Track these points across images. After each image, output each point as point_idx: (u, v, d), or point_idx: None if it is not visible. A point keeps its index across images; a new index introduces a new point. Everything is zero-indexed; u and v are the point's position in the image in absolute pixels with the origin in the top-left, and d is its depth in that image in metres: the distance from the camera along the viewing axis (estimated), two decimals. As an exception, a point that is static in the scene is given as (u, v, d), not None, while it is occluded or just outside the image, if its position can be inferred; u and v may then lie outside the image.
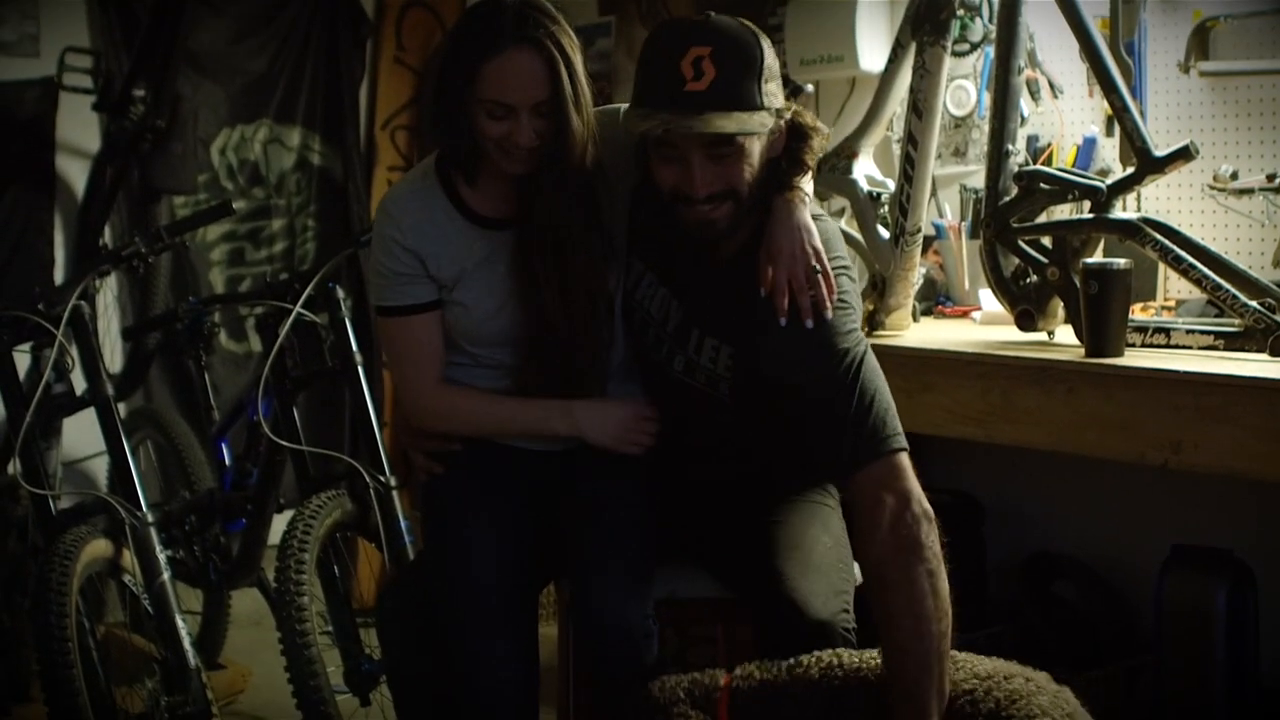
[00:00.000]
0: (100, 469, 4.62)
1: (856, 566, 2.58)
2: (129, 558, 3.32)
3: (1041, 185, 3.17)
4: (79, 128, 5.03)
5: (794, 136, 2.50)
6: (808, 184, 2.56)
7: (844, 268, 2.52)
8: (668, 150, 2.42)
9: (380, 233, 2.64)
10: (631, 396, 2.69)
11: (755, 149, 2.42)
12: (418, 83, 5.72)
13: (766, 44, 2.43)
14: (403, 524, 3.43)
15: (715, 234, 2.48)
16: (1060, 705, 2.21)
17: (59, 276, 4.96)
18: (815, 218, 2.53)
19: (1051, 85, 3.70)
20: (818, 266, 2.42)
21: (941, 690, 2.25)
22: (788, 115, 2.48)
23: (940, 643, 2.26)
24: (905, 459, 2.37)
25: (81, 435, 4.11)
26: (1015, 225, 3.20)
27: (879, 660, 2.30)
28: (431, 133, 2.71)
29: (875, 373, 2.44)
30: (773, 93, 2.42)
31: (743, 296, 2.49)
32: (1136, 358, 2.91)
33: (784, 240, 2.45)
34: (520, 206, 2.58)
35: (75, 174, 5.03)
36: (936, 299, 3.92)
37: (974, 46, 3.65)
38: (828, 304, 2.41)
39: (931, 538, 2.31)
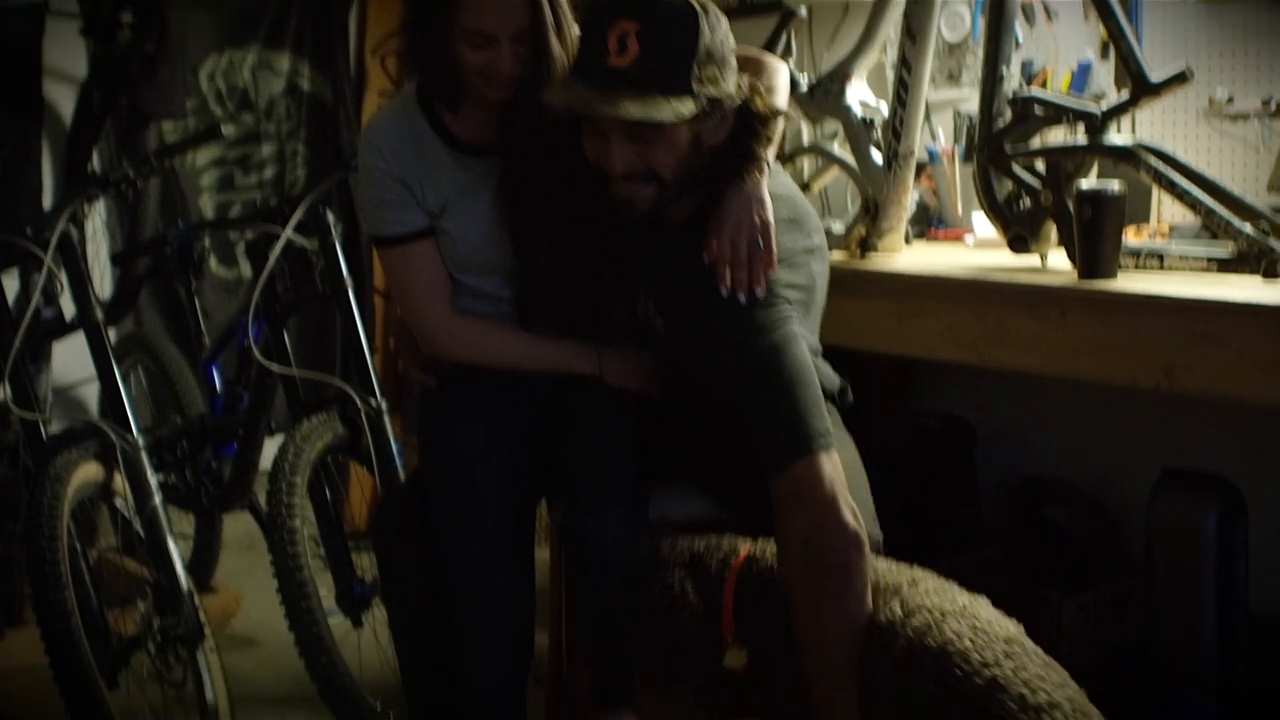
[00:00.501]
0: (91, 396, 4.61)
1: None
2: (120, 481, 3.32)
3: (1036, 110, 3.15)
4: (67, 52, 4.98)
5: (743, 126, 2.39)
6: (769, 154, 2.46)
7: (805, 251, 2.46)
8: (590, 124, 2.35)
9: (365, 164, 2.63)
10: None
11: (681, 136, 2.32)
12: (407, 8, 5.67)
13: (714, 24, 2.31)
14: (394, 447, 3.43)
15: (636, 213, 2.40)
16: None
17: (48, 203, 4.93)
18: (775, 196, 2.44)
19: (1046, 9, 3.68)
20: (761, 242, 2.35)
21: (849, 709, 2.17)
22: (736, 101, 2.36)
23: (843, 667, 2.16)
24: (824, 461, 2.22)
25: (72, 362, 4.10)
26: (1009, 149, 3.18)
27: (911, 573, 2.26)
28: (411, 62, 2.68)
29: (800, 364, 2.31)
30: (711, 78, 2.29)
31: (682, 266, 2.43)
32: (1130, 281, 2.90)
33: (733, 210, 2.37)
34: (503, 133, 2.56)
35: (63, 99, 4.98)
36: (929, 223, 3.91)
37: (969, -31, 3.63)
38: (761, 281, 2.34)
39: (847, 557, 2.17)
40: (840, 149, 3.64)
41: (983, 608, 2.18)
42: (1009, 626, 2.14)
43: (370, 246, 5.21)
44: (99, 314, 3.44)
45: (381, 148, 2.60)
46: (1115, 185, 2.94)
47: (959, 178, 3.79)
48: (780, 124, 2.44)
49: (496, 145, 2.58)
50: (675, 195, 2.39)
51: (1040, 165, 3.16)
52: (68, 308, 3.57)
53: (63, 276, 3.47)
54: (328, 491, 3.56)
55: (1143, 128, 3.51)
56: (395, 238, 2.63)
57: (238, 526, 4.37)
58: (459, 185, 2.60)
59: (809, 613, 2.19)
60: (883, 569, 2.26)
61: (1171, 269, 2.97)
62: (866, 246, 3.45)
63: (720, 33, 2.32)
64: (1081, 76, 3.62)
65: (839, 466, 2.25)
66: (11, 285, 3.65)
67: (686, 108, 2.27)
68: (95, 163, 4.84)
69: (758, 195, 2.40)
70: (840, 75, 3.68)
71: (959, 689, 2.02)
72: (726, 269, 2.34)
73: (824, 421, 2.26)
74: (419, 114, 2.61)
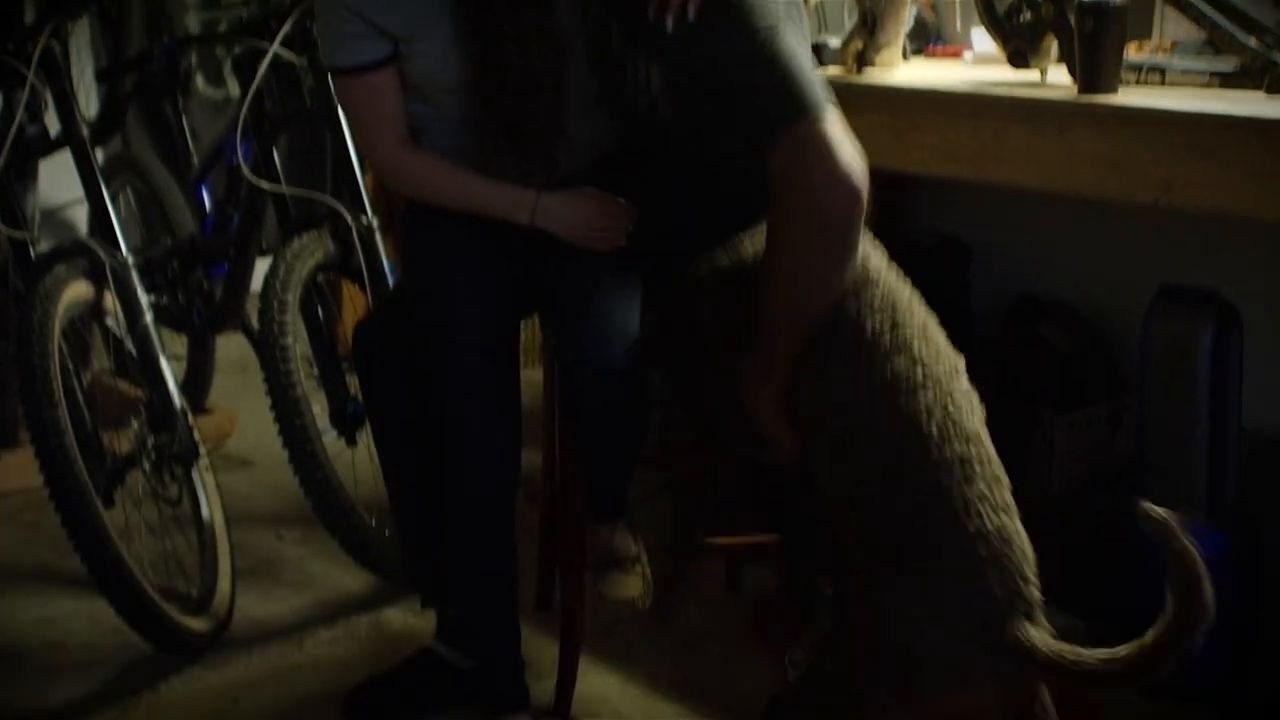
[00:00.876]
0: (80, 217, 4.58)
1: None
2: (111, 300, 3.30)
3: (1037, -81, 3.08)
4: None
5: None
6: None
7: None
8: None
9: None
10: (595, 190, 2.62)
11: None
12: None
13: None
14: (386, 264, 3.41)
15: None
16: None
17: (30, 20, 4.86)
18: None
19: None
20: None
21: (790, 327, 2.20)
22: None
23: (799, 319, 2.19)
24: (826, 129, 2.15)
25: (60, 182, 4.05)
26: (1010, -38, 3.12)
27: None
28: None
29: (793, 43, 2.27)
30: None
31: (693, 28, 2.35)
32: (1130, 96, 2.86)
33: None
34: None
35: (43, -88, 4.89)
36: (928, 40, 3.84)
37: None
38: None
39: (849, 211, 2.14)
40: (838, -39, 3.57)
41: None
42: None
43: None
44: (85, 131, 3.40)
45: None
46: (1118, -3, 2.88)
47: (959, -8, 3.72)
48: None
49: None
50: None
51: (1042, -23, 3.10)
52: (53, 126, 3.52)
53: (47, 94, 3.42)
54: (320, 310, 3.55)
55: (1147, -61, 3.44)
56: (351, 68, 2.59)
57: (231, 348, 4.36)
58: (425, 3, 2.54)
59: (794, 250, 2.17)
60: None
61: (1173, 84, 2.93)
62: (863, 61, 3.39)
63: None
64: (1085, -114, 3.53)
65: (848, 130, 2.19)
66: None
67: None
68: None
69: None
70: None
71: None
72: None
73: (817, 92, 2.20)
74: None
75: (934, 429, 2.11)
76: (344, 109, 2.69)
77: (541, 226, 2.58)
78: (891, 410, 2.14)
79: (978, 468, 2.10)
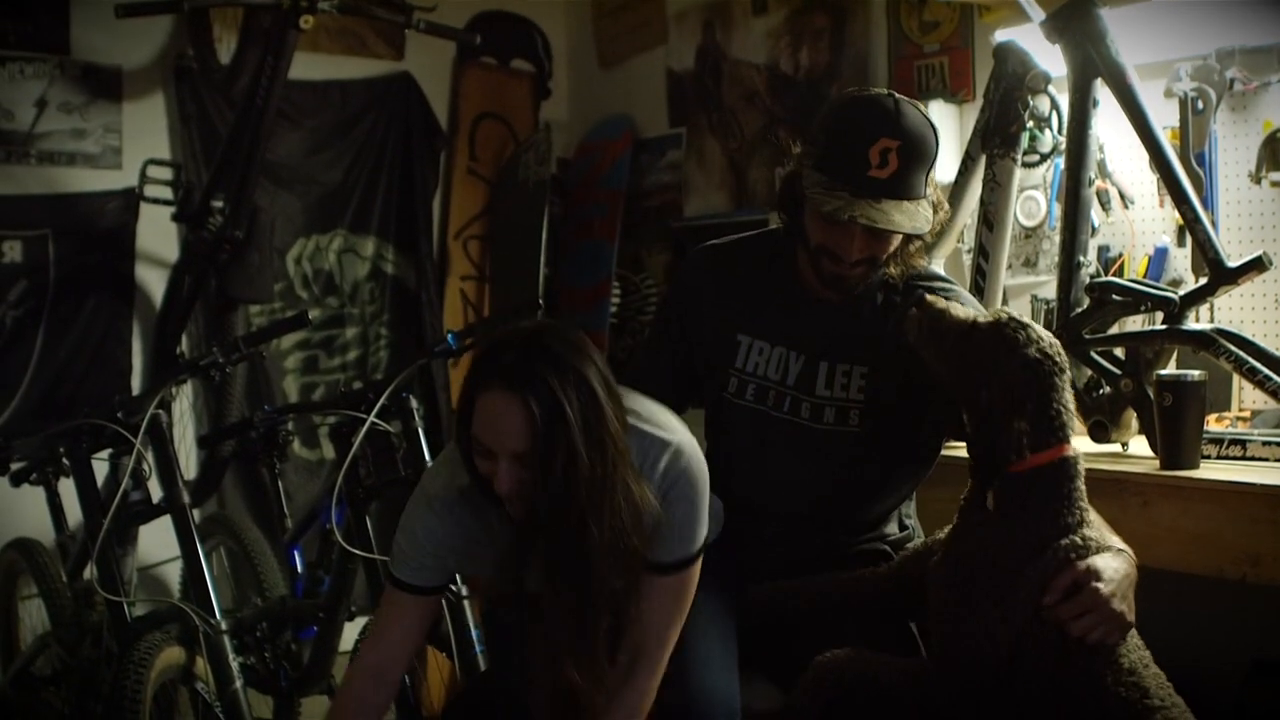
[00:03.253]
0: (173, 574, 4.65)
1: None
2: (202, 665, 3.34)
3: (1113, 296, 3.17)
4: (158, 238, 5.13)
5: None
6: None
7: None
8: (832, 222, 2.58)
9: (413, 520, 2.57)
10: None
11: (901, 235, 2.63)
12: (490, 193, 5.81)
13: (937, 135, 2.64)
14: (474, 633, 3.42)
15: (844, 290, 2.68)
16: None
17: (136, 383, 5.04)
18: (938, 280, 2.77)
19: (1122, 195, 3.70)
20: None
21: None
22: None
23: None
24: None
25: (155, 540, 4.14)
26: (1088, 336, 3.19)
27: None
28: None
29: None
30: (932, 182, 2.65)
31: (865, 315, 2.72)
32: (1212, 470, 2.89)
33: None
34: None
35: (154, 283, 5.12)
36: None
37: (1044, 158, 3.66)
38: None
39: None
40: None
41: None
42: None
43: (450, 428, 5.28)
44: (185, 497, 3.48)
45: (431, 518, 2.53)
46: (1195, 373, 2.94)
47: (1037, 363, 3.78)
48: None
49: None
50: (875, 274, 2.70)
51: (1119, 352, 3.17)
52: (154, 490, 3.61)
53: (151, 459, 3.52)
54: (407, 677, 3.54)
55: (1220, 313, 3.51)
56: (399, 582, 2.56)
57: (316, 710, 4.35)
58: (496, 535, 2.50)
59: None
60: None
61: (1254, 457, 2.96)
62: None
63: (938, 142, 2.66)
64: (1158, 262, 3.63)
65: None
66: (99, 466, 3.71)
67: (928, 212, 2.62)
68: (184, 346, 4.94)
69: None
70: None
71: None
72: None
73: None
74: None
75: None
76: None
77: None
78: None
79: None
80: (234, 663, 3.32)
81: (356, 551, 3.57)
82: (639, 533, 2.32)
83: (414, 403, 3.60)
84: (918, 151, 2.58)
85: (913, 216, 2.58)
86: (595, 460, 2.24)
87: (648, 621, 2.43)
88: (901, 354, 2.64)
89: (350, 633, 3.59)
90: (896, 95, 2.63)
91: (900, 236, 2.64)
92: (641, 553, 2.35)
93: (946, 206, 2.75)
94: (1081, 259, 3.27)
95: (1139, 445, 3.13)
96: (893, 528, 2.80)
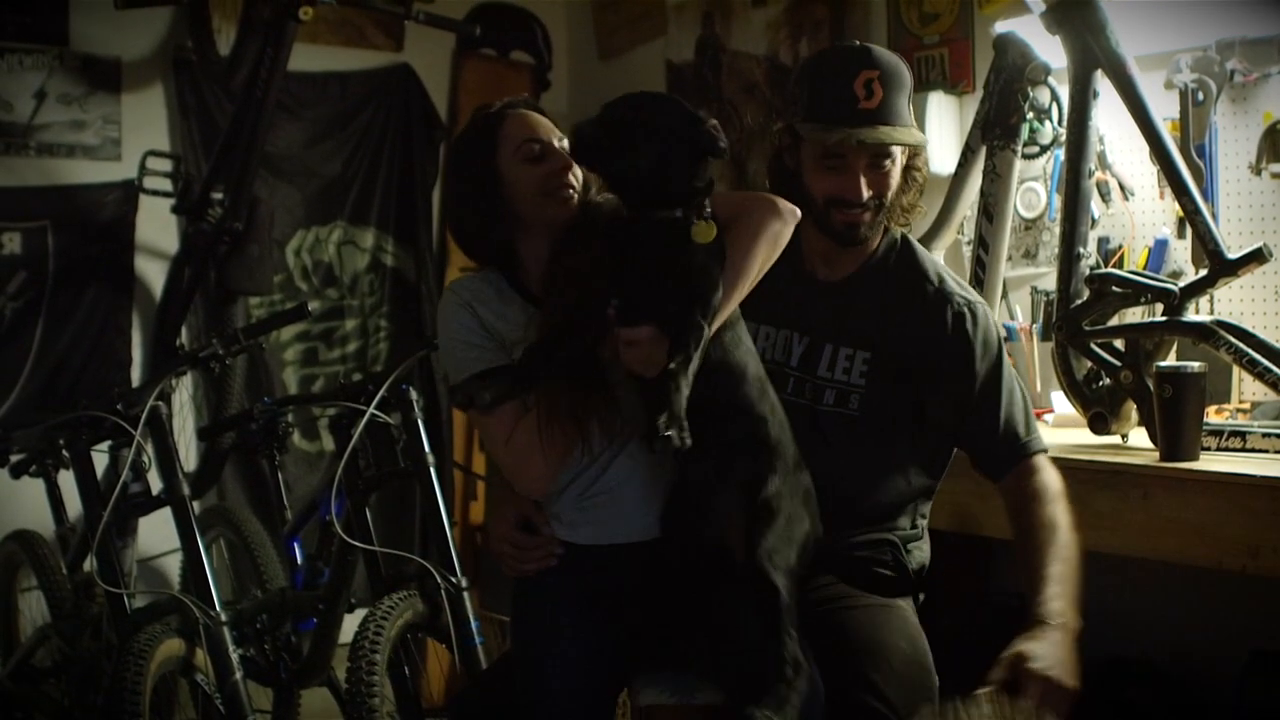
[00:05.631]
0: (173, 566, 4.66)
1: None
2: (202, 657, 3.34)
3: (1113, 288, 3.16)
4: (158, 229, 5.13)
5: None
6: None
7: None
8: (833, 161, 2.67)
9: (449, 312, 2.64)
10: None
11: (899, 164, 2.71)
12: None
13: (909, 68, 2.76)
14: (473, 625, 3.42)
15: (858, 237, 2.72)
16: None
17: (136, 375, 5.04)
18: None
19: (1122, 187, 3.70)
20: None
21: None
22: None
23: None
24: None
25: (155, 532, 4.14)
26: (1087, 328, 3.19)
27: None
28: (461, 236, 2.71)
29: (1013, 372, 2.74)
30: (914, 114, 2.76)
31: (870, 301, 2.74)
32: (1212, 461, 2.88)
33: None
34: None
35: (154, 275, 5.12)
36: (1008, 401, 3.90)
37: (1044, 149, 3.66)
38: None
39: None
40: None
41: None
42: None
43: (451, 422, 5.28)
44: (185, 489, 3.48)
45: (461, 292, 2.64)
46: (1195, 365, 2.93)
47: (1037, 355, 3.79)
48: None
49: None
50: (882, 220, 2.75)
51: (1119, 344, 3.17)
52: (154, 482, 3.62)
53: (150, 451, 3.53)
54: (407, 669, 3.56)
55: (1221, 305, 3.51)
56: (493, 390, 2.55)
57: (315, 702, 4.36)
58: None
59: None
60: None
61: (1254, 449, 2.95)
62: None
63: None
64: (1158, 253, 3.63)
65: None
66: (99, 458, 3.71)
67: (920, 133, 2.73)
68: (184, 337, 4.95)
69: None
70: (917, 254, 3.71)
71: None
72: None
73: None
74: (495, 271, 2.66)
75: None
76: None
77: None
78: None
79: None
80: (234, 654, 3.33)
81: (356, 543, 3.57)
82: None
83: (414, 394, 3.60)
84: (898, 76, 2.68)
85: (910, 135, 2.68)
86: None
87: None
88: (906, 343, 2.68)
89: (350, 624, 3.59)
90: (859, 41, 2.74)
91: (899, 176, 2.71)
92: None
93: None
94: (1081, 250, 3.27)
95: (1139, 437, 3.13)
96: (904, 522, 2.78)
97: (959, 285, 2.76)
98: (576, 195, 2.57)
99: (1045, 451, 2.71)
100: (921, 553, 2.80)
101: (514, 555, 2.67)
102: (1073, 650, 2.41)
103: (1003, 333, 2.78)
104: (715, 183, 2.44)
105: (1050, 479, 2.66)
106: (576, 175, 2.57)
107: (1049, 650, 2.38)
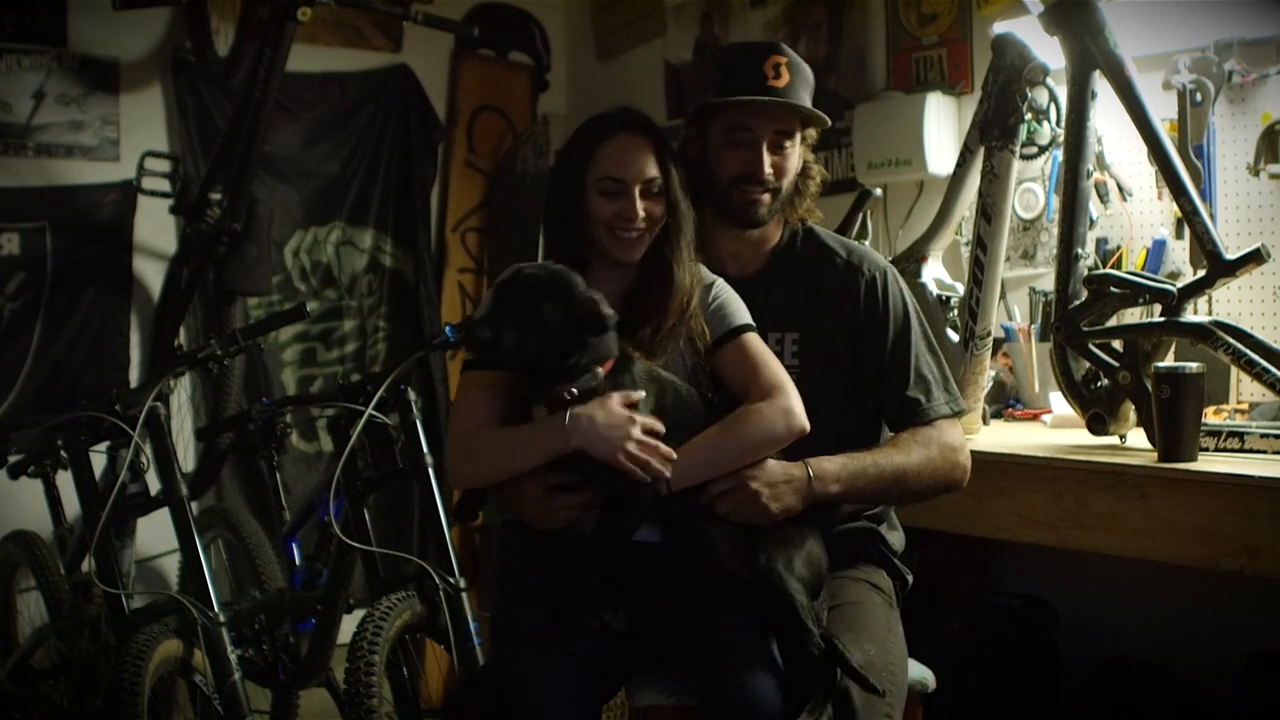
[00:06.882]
0: (171, 566, 4.66)
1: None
2: (200, 658, 3.33)
3: (1112, 288, 3.16)
4: (156, 230, 5.13)
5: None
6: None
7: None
8: (741, 135, 2.77)
9: None
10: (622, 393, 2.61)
11: (799, 154, 2.82)
12: (488, 185, 5.80)
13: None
14: (471, 625, 3.41)
15: (757, 219, 2.79)
16: None
17: (134, 376, 5.04)
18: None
19: (1120, 188, 3.70)
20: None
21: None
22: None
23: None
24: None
25: (153, 532, 4.14)
26: (1085, 328, 3.19)
27: None
28: (547, 226, 2.84)
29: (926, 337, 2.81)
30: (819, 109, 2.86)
31: (786, 285, 2.82)
32: (1210, 462, 2.88)
33: None
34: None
35: (152, 275, 5.12)
36: (1006, 402, 3.91)
37: (1042, 150, 3.67)
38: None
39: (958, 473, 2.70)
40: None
41: None
42: None
43: (449, 422, 5.28)
44: (184, 490, 3.48)
45: None
46: (1193, 365, 2.93)
47: (1035, 356, 3.79)
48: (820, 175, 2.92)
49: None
50: (781, 206, 2.83)
51: (1117, 344, 3.17)
52: (152, 482, 3.62)
53: (149, 452, 3.52)
54: (405, 669, 3.55)
55: (1219, 305, 3.51)
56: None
57: (314, 702, 4.35)
58: None
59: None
60: None
61: (1252, 449, 2.95)
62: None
63: None
64: (1156, 254, 3.63)
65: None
66: (97, 459, 3.71)
67: (823, 115, 2.83)
68: (182, 338, 4.94)
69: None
70: (916, 255, 3.72)
71: None
72: None
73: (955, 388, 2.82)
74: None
75: None
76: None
77: (581, 445, 2.51)
78: None
79: None
80: (232, 655, 3.33)
81: (354, 544, 3.57)
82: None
83: (412, 395, 3.60)
84: (804, 71, 2.81)
85: (814, 111, 2.80)
86: (686, 209, 2.68)
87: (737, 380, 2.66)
88: (829, 319, 2.79)
89: (349, 625, 3.59)
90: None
91: (799, 159, 2.81)
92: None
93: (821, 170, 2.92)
94: (1080, 251, 3.27)
95: (1137, 437, 3.13)
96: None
97: (867, 253, 2.85)
98: (642, 238, 2.65)
99: (954, 415, 2.77)
100: (896, 538, 2.86)
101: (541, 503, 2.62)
102: (797, 490, 2.56)
103: (911, 299, 2.84)
104: (625, 354, 2.56)
105: (938, 434, 2.72)
106: (646, 218, 2.64)
107: (775, 471, 2.56)
